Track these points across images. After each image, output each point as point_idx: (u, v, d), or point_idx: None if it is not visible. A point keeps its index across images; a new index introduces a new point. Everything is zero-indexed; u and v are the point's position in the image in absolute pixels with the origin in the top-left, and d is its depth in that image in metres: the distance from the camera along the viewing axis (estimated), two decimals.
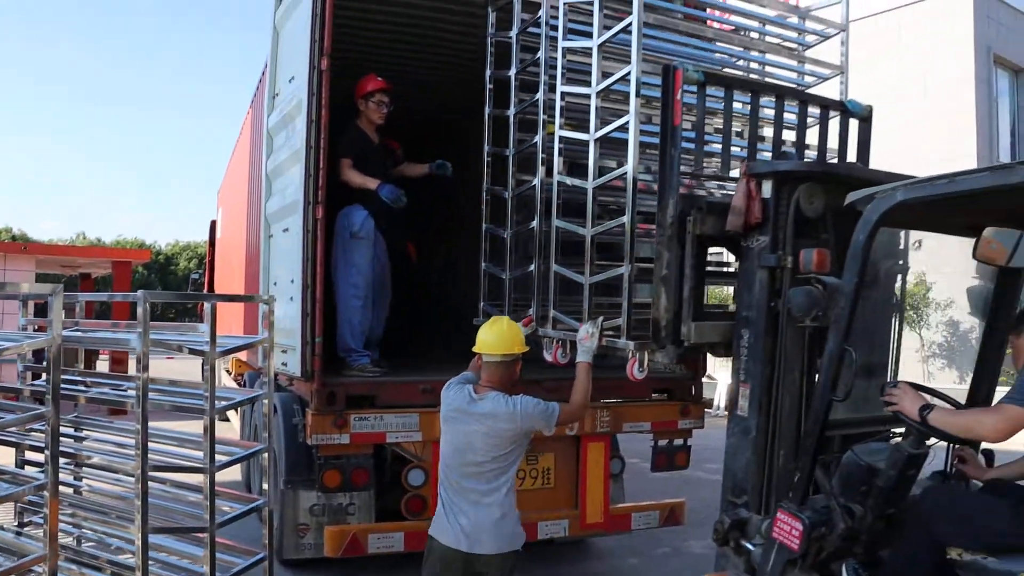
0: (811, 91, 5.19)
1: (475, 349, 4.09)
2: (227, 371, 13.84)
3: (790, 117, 4.81)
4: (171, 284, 54.36)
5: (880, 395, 3.47)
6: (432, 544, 3.95)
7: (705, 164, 4.67)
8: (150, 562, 4.10)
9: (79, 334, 5.06)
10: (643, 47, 4.45)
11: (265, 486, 4.81)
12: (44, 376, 5.09)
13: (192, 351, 4.39)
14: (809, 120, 4.83)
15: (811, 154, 4.92)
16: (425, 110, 8.98)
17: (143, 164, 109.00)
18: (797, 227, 3.77)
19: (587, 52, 4.79)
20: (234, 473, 8.08)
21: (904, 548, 3.31)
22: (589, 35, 4.77)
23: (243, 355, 10.07)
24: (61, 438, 4.99)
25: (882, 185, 3.29)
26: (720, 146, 4.63)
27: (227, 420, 11.32)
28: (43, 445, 4.15)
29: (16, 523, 4.95)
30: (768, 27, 5.38)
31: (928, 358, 18.10)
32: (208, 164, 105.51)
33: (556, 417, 3.97)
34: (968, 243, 3.47)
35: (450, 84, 8.07)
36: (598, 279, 4.76)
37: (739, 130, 5.16)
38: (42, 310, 5.54)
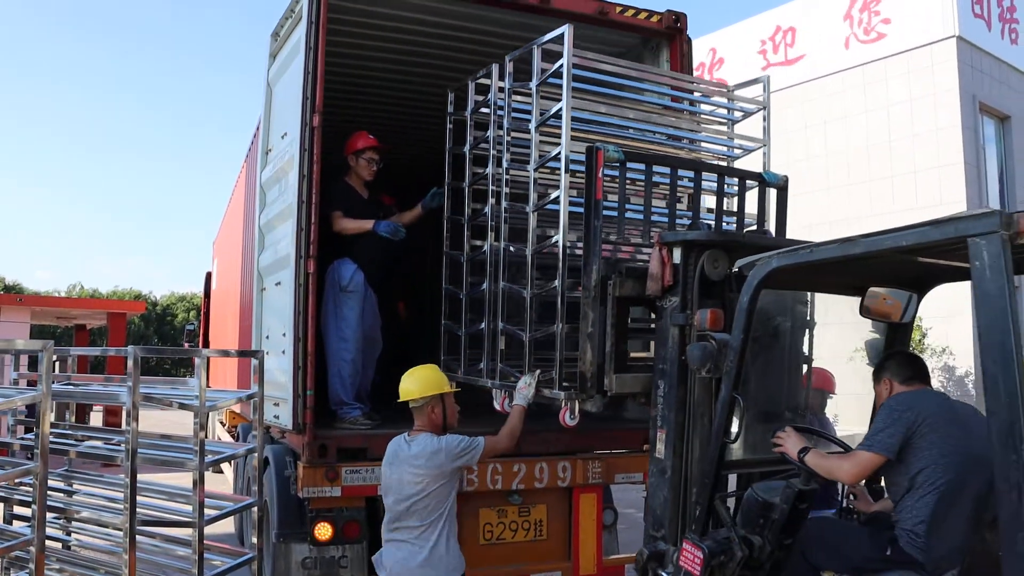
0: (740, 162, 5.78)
1: (400, 399, 4.50)
2: (221, 422, 13.79)
3: (728, 188, 5.38)
4: (167, 335, 54.29)
5: (771, 438, 3.89)
6: None
7: (629, 233, 5.12)
8: None
9: (70, 388, 5.10)
10: (579, 126, 5.05)
11: (254, 540, 4.81)
12: (34, 430, 5.14)
13: (182, 406, 4.42)
14: (739, 189, 5.36)
15: (743, 221, 5.42)
16: (411, 162, 9.21)
17: (139, 214, 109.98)
18: (702, 289, 4.16)
19: (528, 131, 5.22)
20: (227, 525, 8.04)
21: (788, 573, 3.74)
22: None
23: (237, 407, 10.06)
24: (51, 492, 5.02)
25: (763, 253, 3.67)
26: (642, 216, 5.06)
27: (220, 472, 11.27)
28: (31, 499, 4.17)
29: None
30: (700, 105, 6.05)
31: None
32: (205, 215, 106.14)
33: (480, 449, 4.42)
34: None
35: (428, 144, 8.27)
36: (536, 336, 5.12)
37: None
38: (36, 362, 5.58)
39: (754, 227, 5.52)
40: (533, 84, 5.13)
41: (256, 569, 4.79)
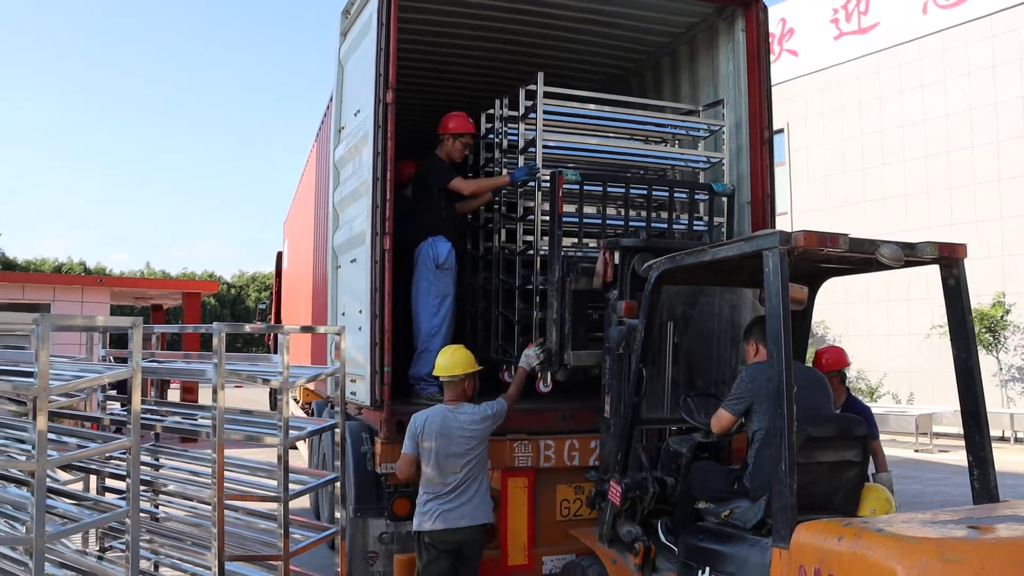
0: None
1: (434, 373, 5.26)
2: (295, 399, 14.02)
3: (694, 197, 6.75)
4: (240, 315, 55.27)
5: (679, 405, 4.94)
6: (423, 538, 4.95)
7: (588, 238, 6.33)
8: None
9: (156, 364, 5.18)
10: (552, 152, 6.50)
11: (338, 514, 4.85)
12: (121, 405, 5.25)
13: (266, 382, 4.46)
14: (689, 198, 6.63)
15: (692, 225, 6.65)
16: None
17: (210, 196, 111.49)
18: (634, 283, 5.18)
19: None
20: (302, 500, 8.14)
21: (678, 500, 4.75)
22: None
23: (311, 384, 10.18)
24: (141, 466, 5.13)
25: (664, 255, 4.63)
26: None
27: (294, 448, 11.43)
28: (123, 472, 4.25)
29: (98, 548, 5.06)
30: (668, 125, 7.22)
31: (1007, 382, 17.55)
32: (275, 196, 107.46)
33: (506, 408, 5.24)
34: None
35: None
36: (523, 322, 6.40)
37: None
38: (117, 341, 5.69)
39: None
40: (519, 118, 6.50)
41: (338, 543, 4.82)
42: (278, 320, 16.90)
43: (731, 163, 6.80)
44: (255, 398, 19.10)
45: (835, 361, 6.16)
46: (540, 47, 7.74)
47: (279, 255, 17.20)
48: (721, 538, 4.11)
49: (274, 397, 17.16)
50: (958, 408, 4.08)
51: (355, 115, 6.51)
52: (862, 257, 3.91)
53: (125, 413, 3.96)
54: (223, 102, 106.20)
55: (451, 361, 5.13)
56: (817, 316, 16.10)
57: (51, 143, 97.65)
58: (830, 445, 3.98)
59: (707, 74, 7.28)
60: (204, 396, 14.26)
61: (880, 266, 4.02)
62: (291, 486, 4.32)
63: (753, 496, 4.05)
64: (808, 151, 21.93)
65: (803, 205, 21.48)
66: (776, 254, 3.63)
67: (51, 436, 4.08)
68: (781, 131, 21.60)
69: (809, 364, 5.91)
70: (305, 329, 8.58)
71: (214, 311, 54.45)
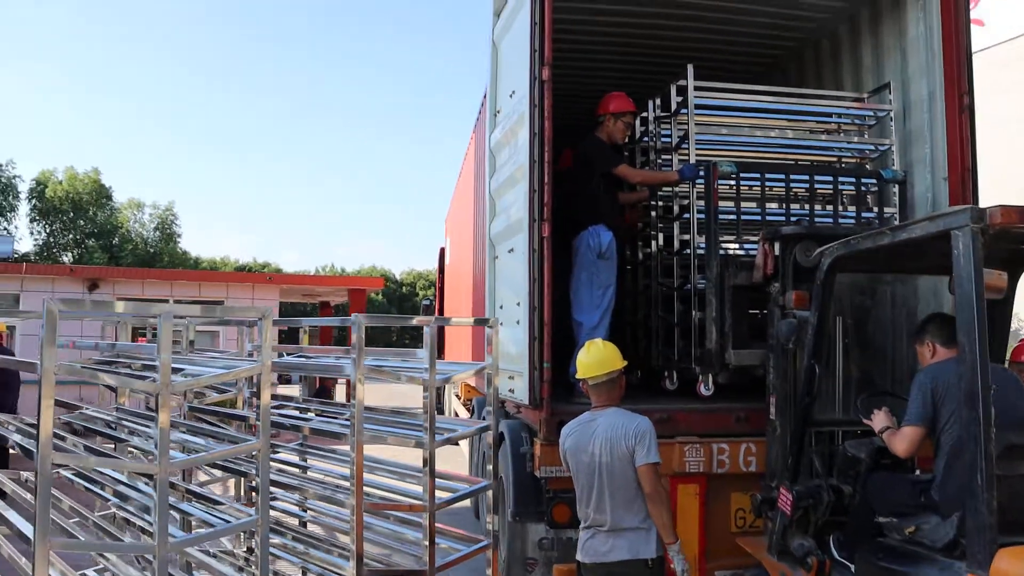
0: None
1: (578, 375, 4.38)
2: (456, 395, 13.92)
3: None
4: (408, 311, 56.57)
5: (854, 406, 4.49)
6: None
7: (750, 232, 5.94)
8: None
9: (296, 360, 4.97)
10: (705, 147, 6.29)
11: (488, 525, 4.50)
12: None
13: (411, 379, 4.13)
14: (856, 187, 6.33)
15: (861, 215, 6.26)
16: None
17: (381, 195, 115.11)
18: (796, 275, 4.87)
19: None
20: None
21: (853, 514, 4.30)
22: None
23: (472, 380, 9.98)
24: (285, 467, 4.95)
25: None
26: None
27: (456, 445, 11.28)
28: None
29: (245, 549, 4.89)
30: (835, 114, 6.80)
31: None
32: (442, 193, 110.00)
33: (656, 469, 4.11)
34: None
35: None
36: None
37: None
38: (286, 337, 5.54)
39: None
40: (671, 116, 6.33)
41: (491, 556, 4.45)
42: (442, 315, 16.95)
43: (902, 149, 6.36)
44: (415, 393, 18.95)
45: None
46: (691, 40, 7.45)
47: (441, 251, 17.29)
48: (905, 558, 3.69)
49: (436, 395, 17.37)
50: None
51: (510, 96, 6.20)
52: None
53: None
54: (398, 104, 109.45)
55: (606, 354, 4.33)
56: (1020, 307, 14.74)
57: (232, 145, 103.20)
58: None
59: (879, 53, 6.74)
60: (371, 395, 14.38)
61: None
62: (440, 493, 3.96)
63: (944, 512, 3.62)
64: (995, 129, 20.13)
65: (989, 192, 19.74)
66: (967, 233, 3.18)
67: (186, 436, 3.91)
68: None
69: (1007, 358, 5.39)
70: (451, 321, 8.32)
71: (382, 307, 55.98)
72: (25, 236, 43.07)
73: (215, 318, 5.69)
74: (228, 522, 3.70)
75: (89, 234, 41.16)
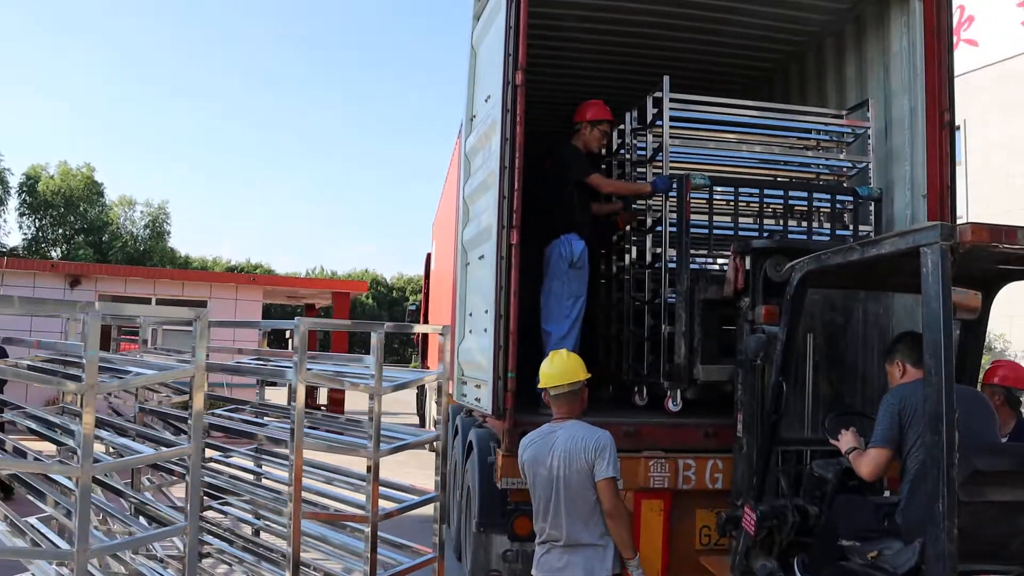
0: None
1: (540, 385, 4.22)
2: (436, 403, 13.79)
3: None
4: (398, 316, 56.23)
5: (822, 425, 4.40)
6: None
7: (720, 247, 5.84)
8: None
9: (245, 364, 4.87)
10: (679, 159, 6.23)
11: (434, 537, 4.39)
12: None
13: (353, 385, 4.01)
14: (831, 203, 6.23)
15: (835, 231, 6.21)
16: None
17: (373, 201, 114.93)
18: (767, 289, 4.79)
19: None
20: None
21: (818, 536, 4.25)
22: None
23: (451, 388, 9.87)
24: (239, 472, 4.83)
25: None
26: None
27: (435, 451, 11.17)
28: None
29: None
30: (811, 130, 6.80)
31: None
32: (432, 198, 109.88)
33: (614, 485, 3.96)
34: None
35: None
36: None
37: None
38: (276, 340, 5.43)
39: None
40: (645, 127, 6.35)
41: (437, 568, 4.32)
42: (426, 321, 16.83)
43: (879, 168, 6.37)
44: (409, 399, 18.74)
45: (1014, 378, 5.26)
46: (673, 50, 7.38)
47: (428, 257, 17.20)
48: None
49: (420, 400, 17.15)
50: None
51: (485, 101, 6.13)
52: None
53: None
54: (399, 104, 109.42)
55: (570, 365, 4.21)
56: (995, 328, 14.68)
57: (232, 145, 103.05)
58: (1004, 481, 3.34)
59: (863, 67, 6.71)
60: (357, 402, 14.08)
61: None
62: (384, 504, 3.85)
63: (906, 537, 3.56)
64: (987, 151, 20.10)
65: (981, 209, 19.66)
66: (936, 251, 3.08)
67: (126, 441, 3.81)
68: (957, 128, 19.89)
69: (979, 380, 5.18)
70: (398, 328, 8.22)
71: (371, 311, 55.74)
72: (14, 230, 42.78)
73: (161, 317, 5.56)
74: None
75: (79, 230, 40.88)
